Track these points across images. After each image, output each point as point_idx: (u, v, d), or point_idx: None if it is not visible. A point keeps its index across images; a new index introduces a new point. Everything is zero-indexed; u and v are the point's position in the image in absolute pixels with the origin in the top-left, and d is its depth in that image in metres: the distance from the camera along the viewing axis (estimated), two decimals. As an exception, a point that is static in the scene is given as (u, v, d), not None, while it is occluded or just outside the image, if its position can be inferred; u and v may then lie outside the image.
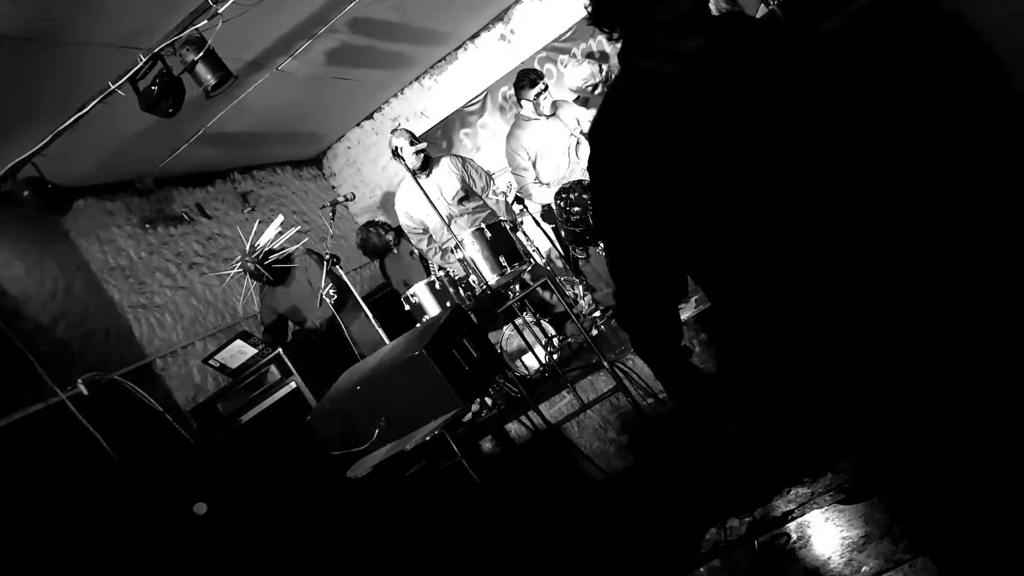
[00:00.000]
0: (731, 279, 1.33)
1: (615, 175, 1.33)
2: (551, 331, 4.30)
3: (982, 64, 2.96)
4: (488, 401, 3.87)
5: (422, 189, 4.02)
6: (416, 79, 6.68)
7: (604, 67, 5.10)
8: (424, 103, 6.73)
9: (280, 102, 5.27)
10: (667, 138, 1.24)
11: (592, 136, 1.37)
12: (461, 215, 4.65)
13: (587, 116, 4.82)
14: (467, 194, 4.68)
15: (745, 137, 1.21)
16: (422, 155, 4.52)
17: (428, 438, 2.69)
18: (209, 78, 3.49)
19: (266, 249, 4.37)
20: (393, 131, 4.72)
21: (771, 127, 1.21)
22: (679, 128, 1.24)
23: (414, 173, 4.22)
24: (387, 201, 6.87)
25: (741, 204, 1.23)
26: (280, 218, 4.44)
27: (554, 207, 4.08)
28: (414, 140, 4.54)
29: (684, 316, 3.34)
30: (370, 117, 6.90)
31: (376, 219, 5.54)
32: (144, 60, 3.46)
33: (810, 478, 2.60)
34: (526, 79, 4.66)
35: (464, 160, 4.85)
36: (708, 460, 2.86)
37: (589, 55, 6.12)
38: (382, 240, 5.08)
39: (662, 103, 1.25)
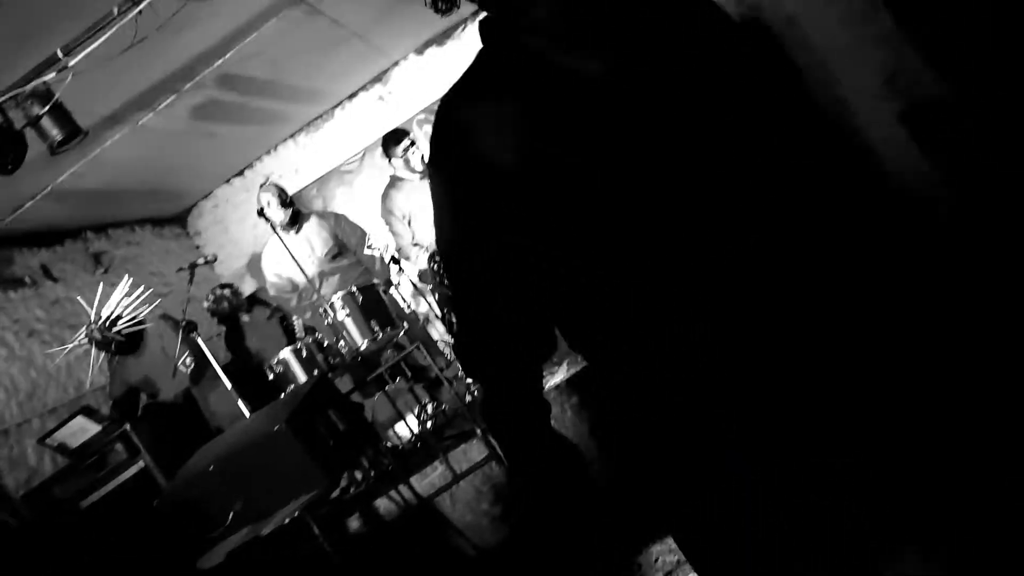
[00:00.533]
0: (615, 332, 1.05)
1: (468, 183, 1.05)
2: (425, 398, 4.22)
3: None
4: (358, 475, 3.71)
5: (287, 248, 3.90)
6: (291, 136, 6.54)
7: None
8: (299, 161, 6.59)
9: (140, 158, 5.00)
10: (548, 145, 0.97)
11: (442, 126, 1.09)
12: (333, 273, 4.54)
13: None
14: (340, 250, 4.59)
15: (656, 150, 0.96)
16: (291, 210, 4.40)
17: (287, 520, 2.53)
18: (55, 133, 3.26)
19: (115, 315, 4.06)
20: (261, 185, 4.59)
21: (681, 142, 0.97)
22: (569, 134, 0.97)
23: (279, 227, 4.10)
24: (256, 262, 6.62)
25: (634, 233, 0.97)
26: (127, 279, 4.15)
27: (429, 271, 4.05)
28: (283, 195, 4.42)
29: (555, 380, 3.36)
30: (240, 174, 6.66)
31: (223, 283, 5.25)
32: (-19, 113, 3.21)
33: None
34: (391, 137, 4.65)
35: (336, 216, 4.77)
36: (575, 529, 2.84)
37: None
38: (232, 303, 4.80)
39: (547, 99, 0.98)
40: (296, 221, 4.51)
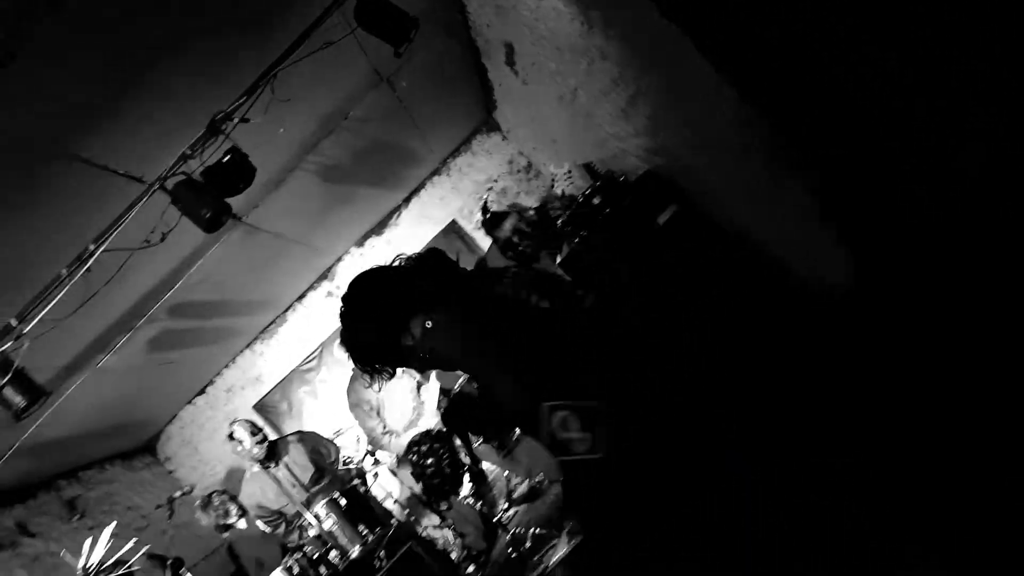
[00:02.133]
0: None
1: None
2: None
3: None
4: None
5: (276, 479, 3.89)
6: (247, 346, 6.61)
7: None
8: (258, 368, 6.62)
9: (103, 398, 4.97)
10: None
11: None
12: (318, 495, 4.48)
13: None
14: (321, 472, 4.53)
15: None
16: (265, 444, 4.39)
17: None
18: (19, 400, 3.25)
19: (101, 567, 3.88)
20: (232, 423, 4.59)
21: None
22: None
23: (257, 463, 4.06)
24: (232, 476, 6.45)
25: None
26: (110, 527, 4.00)
27: (409, 462, 4.02)
28: (255, 430, 4.43)
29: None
30: (203, 392, 6.64)
31: (214, 491, 5.11)
32: (-59, 391, 3.20)
33: None
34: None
35: (313, 437, 4.75)
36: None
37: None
38: (224, 517, 4.68)
39: None
40: (273, 454, 4.48)
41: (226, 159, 3.46)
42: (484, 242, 6.00)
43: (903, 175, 2.34)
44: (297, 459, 4.51)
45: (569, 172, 4.17)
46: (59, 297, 3.31)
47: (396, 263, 2.01)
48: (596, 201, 3.71)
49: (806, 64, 2.41)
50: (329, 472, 4.58)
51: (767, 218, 3.41)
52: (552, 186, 4.30)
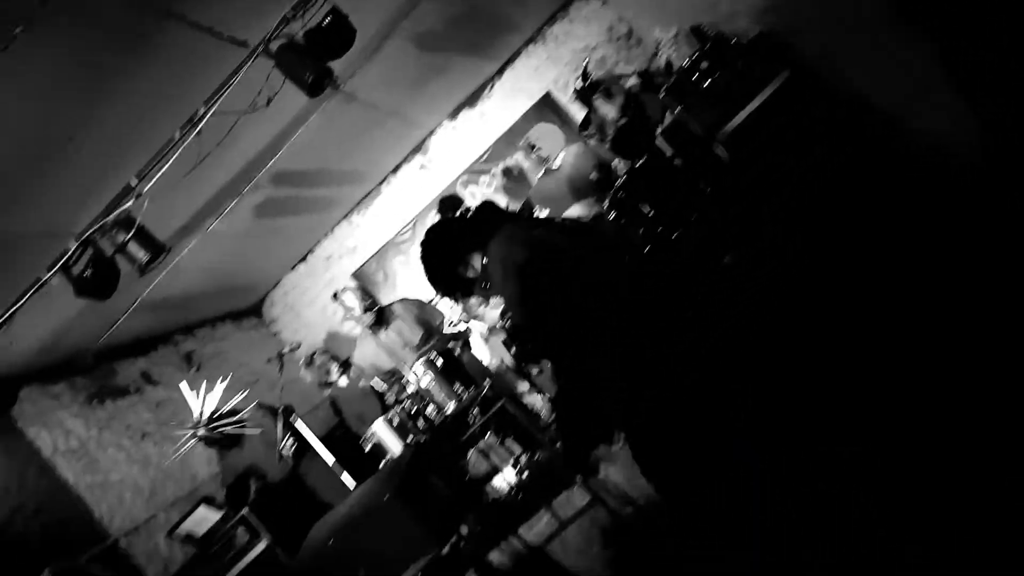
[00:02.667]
0: None
1: None
2: (517, 449, 4.27)
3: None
4: (465, 532, 3.78)
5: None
6: (344, 217, 6.82)
7: None
8: (355, 239, 6.85)
9: (213, 261, 5.30)
10: None
11: None
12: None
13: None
14: (430, 334, 4.76)
15: None
16: (375, 309, 4.62)
17: (410, 589, 2.61)
18: (142, 255, 3.50)
19: (216, 414, 4.28)
20: (342, 290, 4.82)
21: None
22: None
23: (367, 328, 4.29)
24: (331, 340, 6.85)
25: None
26: (224, 381, 4.38)
27: (501, 326, 4.15)
28: (365, 296, 4.66)
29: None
30: (303, 260, 6.97)
31: (316, 350, 5.46)
32: (75, 246, 3.47)
33: None
34: (448, 203, 4.83)
35: (419, 303, 4.95)
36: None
37: (507, 172, 6.41)
38: (326, 375, 5.04)
39: None
40: (382, 320, 4.70)
41: (327, 20, 3.46)
42: (579, 115, 5.85)
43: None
44: (406, 322, 4.74)
45: (675, 36, 3.95)
46: (174, 158, 3.48)
47: (459, 214, 2.50)
48: (703, 66, 3.50)
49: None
50: (437, 334, 4.80)
51: (888, 83, 3.17)
52: (656, 53, 4.07)
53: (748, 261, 3.81)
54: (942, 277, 2.78)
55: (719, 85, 3.46)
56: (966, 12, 2.37)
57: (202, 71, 3.44)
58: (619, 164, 4.69)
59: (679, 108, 3.57)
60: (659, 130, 4.07)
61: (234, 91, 3.48)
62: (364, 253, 6.82)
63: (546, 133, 4.88)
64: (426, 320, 4.83)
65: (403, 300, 5.02)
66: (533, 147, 4.81)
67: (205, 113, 3.47)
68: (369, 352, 4.78)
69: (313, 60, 3.41)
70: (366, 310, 4.57)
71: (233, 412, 4.38)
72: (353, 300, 4.60)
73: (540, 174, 4.81)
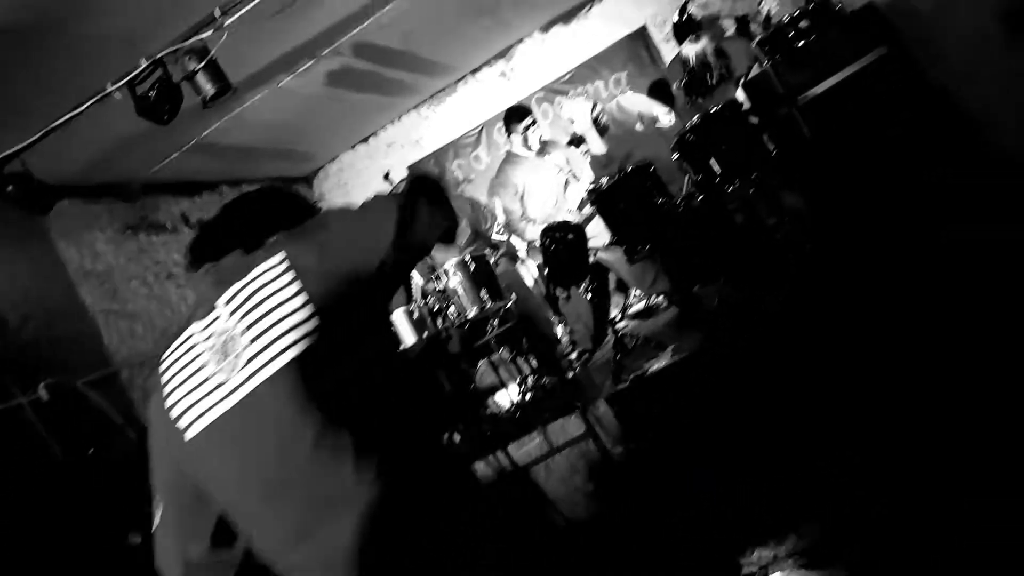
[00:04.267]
0: None
1: None
2: (527, 369, 4.28)
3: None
4: (456, 437, 3.83)
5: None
6: (415, 107, 6.73)
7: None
8: (420, 131, 6.78)
9: (277, 118, 5.28)
10: None
11: None
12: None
13: (578, 157, 4.86)
14: (476, 234, 4.74)
15: None
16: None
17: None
18: (209, 88, 3.47)
19: None
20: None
21: None
22: None
23: None
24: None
25: None
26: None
27: (539, 245, 4.09)
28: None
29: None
30: (365, 141, 6.92)
31: None
32: (145, 64, 3.44)
33: (775, 540, 2.59)
34: (515, 115, 4.72)
35: (471, 203, 4.92)
36: (674, 518, 2.85)
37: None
38: None
39: None
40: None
41: None
42: (669, 55, 5.62)
43: None
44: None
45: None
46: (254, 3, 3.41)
47: None
48: (803, 25, 3.35)
49: None
50: (481, 238, 4.77)
51: (989, 87, 2.99)
52: (759, 2, 3.89)
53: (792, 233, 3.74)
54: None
55: (813, 48, 3.32)
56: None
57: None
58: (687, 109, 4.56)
59: (768, 62, 3.43)
60: (742, 80, 3.91)
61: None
62: (426, 147, 6.75)
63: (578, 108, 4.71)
64: (476, 220, 4.80)
65: (459, 196, 4.98)
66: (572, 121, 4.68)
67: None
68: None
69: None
70: None
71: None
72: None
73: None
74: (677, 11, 4.40)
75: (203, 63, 3.41)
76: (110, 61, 3.42)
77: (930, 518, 2.10)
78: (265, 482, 1.14)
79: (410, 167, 6.72)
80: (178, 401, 1.20)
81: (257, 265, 1.21)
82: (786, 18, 3.44)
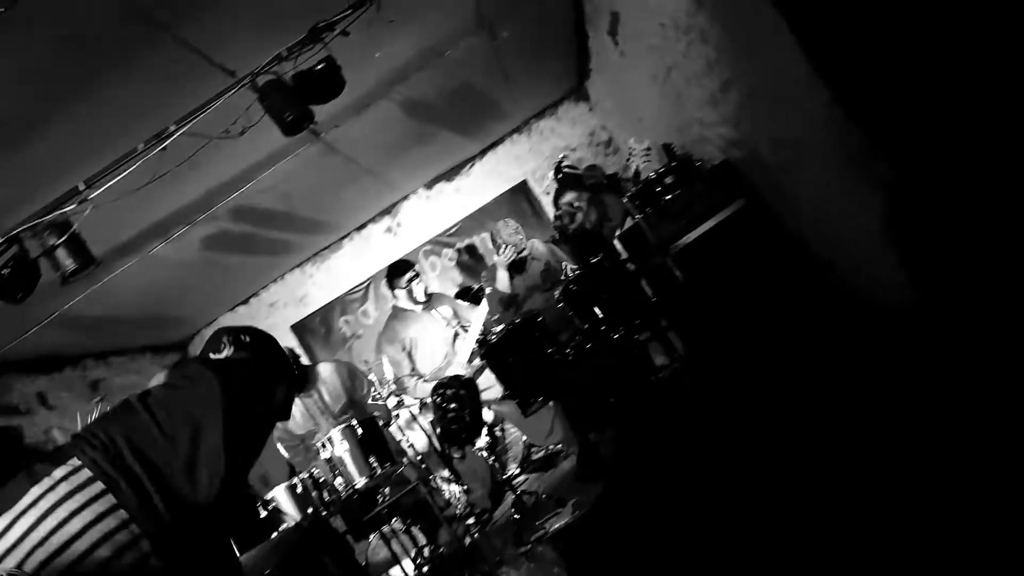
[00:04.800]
0: None
1: None
2: (422, 539, 4.03)
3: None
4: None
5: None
6: (298, 265, 6.65)
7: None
8: (305, 289, 6.66)
9: (149, 286, 5.04)
10: None
11: None
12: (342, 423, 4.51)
13: (466, 309, 4.87)
14: (352, 403, 4.52)
15: None
16: (299, 369, 4.40)
17: None
18: (69, 263, 3.27)
19: None
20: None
21: None
22: None
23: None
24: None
25: None
26: (99, 401, 4.05)
27: (430, 403, 3.98)
28: (293, 355, 4.46)
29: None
30: (245, 302, 6.71)
31: None
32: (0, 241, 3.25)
33: None
34: (398, 269, 4.74)
35: (343, 365, 4.74)
36: None
37: (470, 249, 6.39)
38: None
39: None
40: (306, 379, 4.49)
41: (319, 67, 3.42)
42: (550, 209, 5.91)
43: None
44: (331, 386, 4.50)
45: (648, 149, 4.08)
46: (130, 170, 3.32)
47: None
48: (668, 181, 3.62)
49: (909, 75, 2.29)
50: (359, 404, 4.56)
51: (833, 229, 3.29)
52: (628, 159, 4.20)
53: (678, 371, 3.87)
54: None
55: (679, 201, 3.58)
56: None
57: (182, 91, 3.34)
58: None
59: (640, 215, 3.66)
60: (617, 232, 4.12)
61: (209, 117, 3.38)
62: (312, 304, 6.61)
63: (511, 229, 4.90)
64: (352, 388, 4.60)
65: (335, 362, 4.80)
66: (498, 244, 4.83)
67: (176, 131, 3.34)
68: None
69: (297, 100, 3.35)
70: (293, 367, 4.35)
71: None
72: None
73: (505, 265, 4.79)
74: (553, 169, 4.67)
75: (64, 238, 3.24)
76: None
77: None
78: None
79: (293, 327, 6.54)
80: None
81: None
82: (653, 174, 3.70)
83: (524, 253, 4.89)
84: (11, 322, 4.33)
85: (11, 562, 1.00)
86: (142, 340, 6.24)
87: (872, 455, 2.45)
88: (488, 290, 4.76)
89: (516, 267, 4.82)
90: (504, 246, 4.80)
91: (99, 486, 1.04)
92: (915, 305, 2.85)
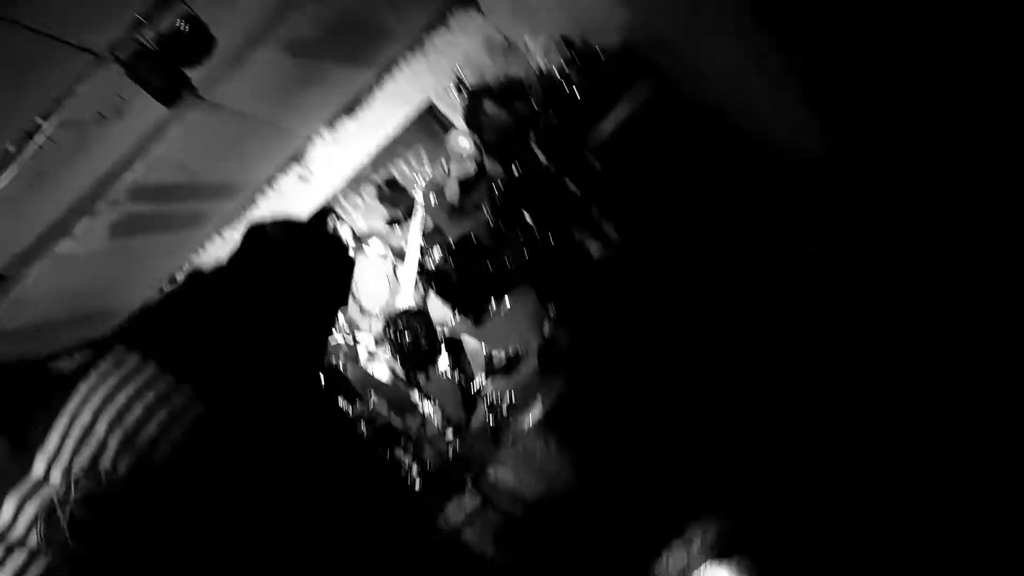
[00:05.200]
0: None
1: None
2: (406, 462, 4.13)
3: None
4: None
5: None
6: (216, 232, 6.42)
7: None
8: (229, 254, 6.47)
9: (65, 287, 4.84)
10: None
11: None
12: None
13: (398, 239, 4.84)
14: None
15: None
16: None
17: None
18: (-29, 287, 3.13)
19: None
20: None
21: None
22: None
23: None
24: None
25: None
26: None
27: (385, 338, 4.02)
28: None
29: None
30: (171, 280, 6.50)
31: None
32: None
33: (685, 542, 2.63)
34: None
35: None
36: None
37: (391, 183, 6.27)
38: None
39: None
40: None
41: (183, 27, 3.22)
42: (459, 120, 5.79)
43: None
44: None
45: (546, 45, 3.99)
46: (11, 176, 3.13)
47: None
48: (571, 76, 3.57)
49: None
50: None
51: (745, 96, 3.31)
52: (528, 61, 4.10)
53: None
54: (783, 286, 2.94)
55: (585, 94, 3.53)
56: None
57: (40, 80, 3.11)
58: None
59: (550, 115, 3.62)
60: (532, 137, 4.10)
61: (80, 101, 3.18)
62: (239, 270, 6.44)
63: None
64: None
65: None
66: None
67: (46, 125, 3.14)
68: None
69: (167, 67, 3.16)
70: None
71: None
72: None
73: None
74: (454, 89, 4.56)
75: (-41, 261, 3.06)
76: None
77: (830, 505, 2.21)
78: None
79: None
80: None
81: None
82: (555, 71, 3.63)
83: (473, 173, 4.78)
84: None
85: (84, 459, 1.00)
86: (72, 338, 6.02)
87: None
88: (430, 202, 4.70)
89: (465, 186, 4.74)
90: (460, 158, 4.67)
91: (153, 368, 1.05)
92: (825, 151, 2.92)
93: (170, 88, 3.14)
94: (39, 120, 3.11)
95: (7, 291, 4.15)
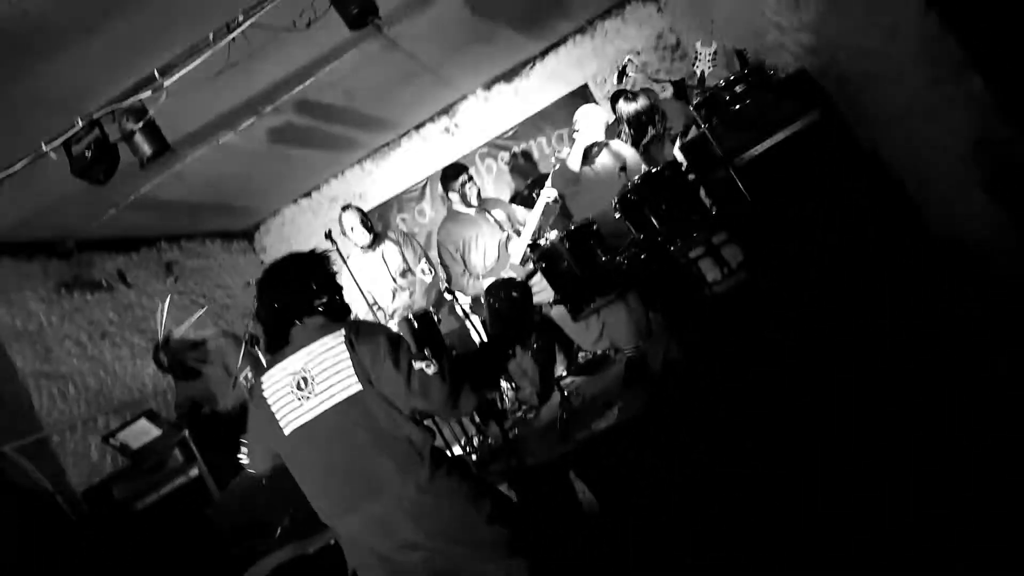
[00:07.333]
0: None
1: None
2: (471, 430, 4.24)
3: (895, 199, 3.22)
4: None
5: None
6: (358, 162, 6.75)
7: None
8: (364, 186, 6.78)
9: (217, 174, 5.22)
10: None
11: None
12: (403, 289, 4.76)
13: (520, 214, 4.91)
14: (408, 268, 4.82)
15: None
16: (372, 233, 4.73)
17: (332, 542, 2.58)
18: (146, 149, 3.43)
19: (181, 342, 4.23)
20: (345, 208, 4.80)
21: None
22: None
23: (361, 248, 4.48)
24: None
25: None
26: (202, 311, 4.37)
27: (483, 304, 4.10)
28: (364, 218, 4.73)
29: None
30: (307, 195, 6.89)
31: None
32: (81, 125, 3.39)
33: None
34: (450, 171, 4.78)
35: (405, 236, 5.07)
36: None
37: (525, 155, 6.36)
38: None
39: None
40: (375, 242, 4.86)
41: (384, -42, 3.38)
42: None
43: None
44: (392, 252, 4.88)
45: (715, 54, 3.88)
46: (202, 59, 3.40)
47: None
48: (738, 89, 3.46)
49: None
50: (412, 273, 4.84)
51: (914, 150, 3.13)
52: (694, 64, 4.00)
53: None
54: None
55: (749, 111, 3.42)
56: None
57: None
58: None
59: (705, 125, 3.53)
60: (679, 143, 4.03)
61: (278, 8, 3.41)
62: (370, 201, 6.75)
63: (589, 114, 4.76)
64: (408, 253, 4.96)
65: (396, 230, 5.11)
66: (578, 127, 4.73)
67: (244, 21, 3.38)
68: (354, 272, 4.77)
69: (363, -7, 3.33)
70: (366, 228, 4.73)
71: (198, 344, 4.33)
72: (354, 220, 4.72)
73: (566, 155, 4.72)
74: (616, 76, 4.54)
75: (141, 124, 3.37)
76: (45, 121, 3.35)
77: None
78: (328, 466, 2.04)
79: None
80: (279, 409, 2.08)
81: (322, 337, 2.10)
82: (722, 82, 3.56)
83: (599, 141, 4.77)
84: (94, 204, 4.59)
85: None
86: (211, 226, 6.52)
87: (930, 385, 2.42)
88: (557, 166, 4.74)
89: (587, 155, 4.73)
90: (586, 128, 4.68)
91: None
92: (1007, 242, 2.71)
93: (360, 12, 3.31)
94: (240, 16, 3.36)
95: (171, 164, 4.52)
